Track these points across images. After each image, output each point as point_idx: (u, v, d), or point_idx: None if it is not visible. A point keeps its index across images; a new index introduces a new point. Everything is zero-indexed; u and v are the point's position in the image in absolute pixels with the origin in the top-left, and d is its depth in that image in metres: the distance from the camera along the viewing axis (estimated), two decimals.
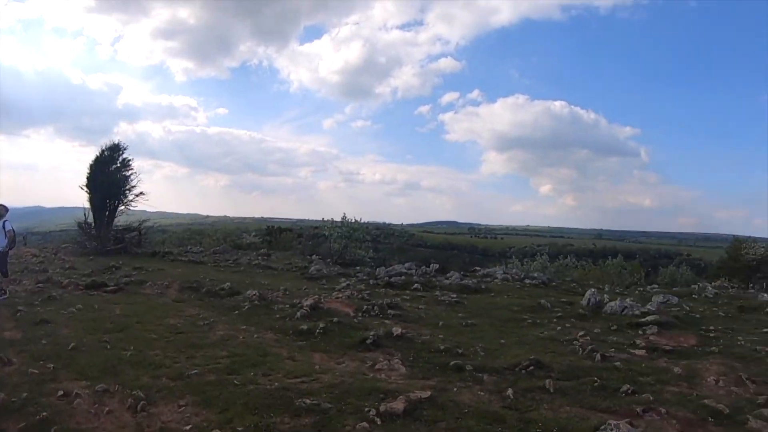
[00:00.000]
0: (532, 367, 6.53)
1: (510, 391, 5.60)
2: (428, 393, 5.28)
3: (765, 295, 13.52)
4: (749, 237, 28.52)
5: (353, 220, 25.11)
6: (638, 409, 5.16)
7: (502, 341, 8.36)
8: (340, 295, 11.49)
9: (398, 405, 4.83)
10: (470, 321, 9.87)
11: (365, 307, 9.96)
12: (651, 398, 5.47)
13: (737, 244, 25.99)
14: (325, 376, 5.96)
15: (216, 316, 9.42)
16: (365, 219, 26.66)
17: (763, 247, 23.11)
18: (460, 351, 7.36)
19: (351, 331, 8.12)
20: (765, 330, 9.56)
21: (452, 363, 6.61)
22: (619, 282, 22.11)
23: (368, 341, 7.41)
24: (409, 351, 7.26)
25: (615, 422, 4.24)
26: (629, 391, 5.71)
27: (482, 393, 5.66)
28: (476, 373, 6.33)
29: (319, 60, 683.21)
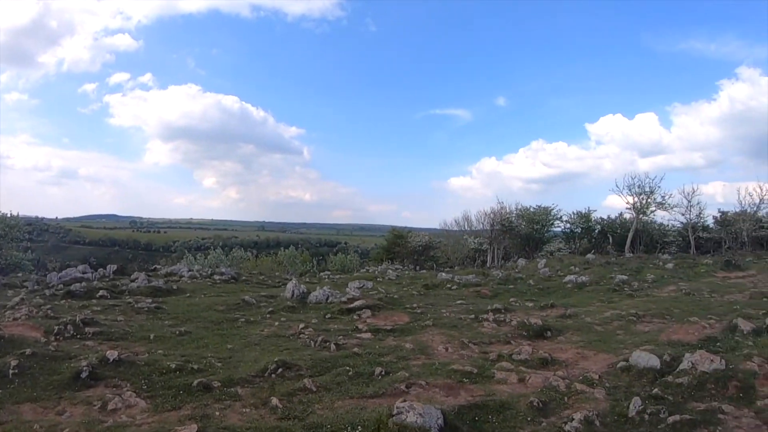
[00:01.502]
0: (280, 369, 6.28)
1: (275, 400, 5.27)
2: (194, 426, 4.49)
3: (442, 274, 16.60)
4: (404, 227, 35.31)
5: (8, 215, 19.71)
6: (402, 387, 5.59)
7: (229, 346, 7.81)
8: (18, 315, 8.72)
9: None
10: (182, 329, 8.85)
11: (56, 328, 7.73)
12: (407, 374, 6.02)
13: (396, 232, 31.77)
14: None
15: None
16: (15, 212, 21.20)
17: (426, 236, 28.96)
18: (195, 367, 6.47)
19: (54, 363, 6.11)
20: (459, 302, 11.81)
21: (195, 383, 5.75)
22: (294, 271, 23.79)
23: (83, 375, 5.73)
24: (137, 378, 5.98)
25: (408, 404, 4.41)
26: (383, 373, 6.13)
27: (248, 410, 5.12)
28: (227, 389, 5.69)
29: None
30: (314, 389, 5.65)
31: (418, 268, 26.11)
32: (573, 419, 4.73)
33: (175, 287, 13.73)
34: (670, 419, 4.76)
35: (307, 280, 17.64)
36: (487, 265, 27.15)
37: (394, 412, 4.35)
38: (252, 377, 6.18)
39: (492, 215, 29.69)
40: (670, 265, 18.66)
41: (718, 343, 7.56)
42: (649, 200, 26.96)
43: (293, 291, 11.84)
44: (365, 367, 6.38)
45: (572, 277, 15.91)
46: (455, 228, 33.94)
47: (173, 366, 6.44)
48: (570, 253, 28.83)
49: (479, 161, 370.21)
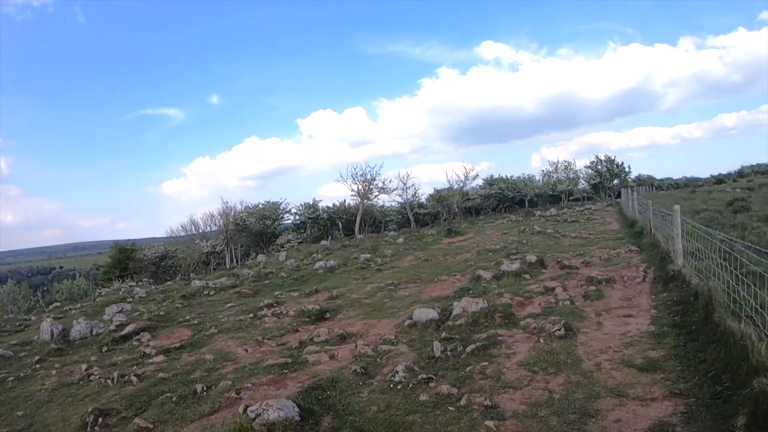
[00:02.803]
0: (100, 419, 5.40)
1: None
2: None
3: (196, 281, 15.90)
4: (127, 240, 31.87)
5: None
6: (233, 394, 5.63)
7: (19, 413, 6.23)
8: None
9: None
10: None
11: None
12: (229, 383, 6.06)
13: (120, 246, 28.83)
14: None
15: None
16: None
17: (161, 246, 26.79)
18: None
19: None
20: (229, 305, 11.74)
21: None
22: (17, 309, 19.95)
23: None
24: None
25: (263, 404, 4.54)
26: (206, 388, 5.99)
27: None
28: None
29: None
30: (151, 427, 5.23)
31: (152, 281, 24.51)
32: (398, 371, 5.63)
33: None
34: (468, 348, 6.23)
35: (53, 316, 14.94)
36: (227, 266, 27.09)
37: (252, 415, 4.53)
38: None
39: (225, 216, 29.72)
40: (400, 240, 21.90)
41: (471, 291, 9.61)
42: (371, 186, 30.66)
43: (51, 331, 10.01)
44: (184, 389, 6.10)
45: (321, 263, 17.23)
46: (183, 234, 32.48)
47: None
48: (302, 242, 30.95)
49: (193, 162, 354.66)
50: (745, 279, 5.30)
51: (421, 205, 35.99)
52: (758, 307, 4.74)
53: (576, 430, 4.06)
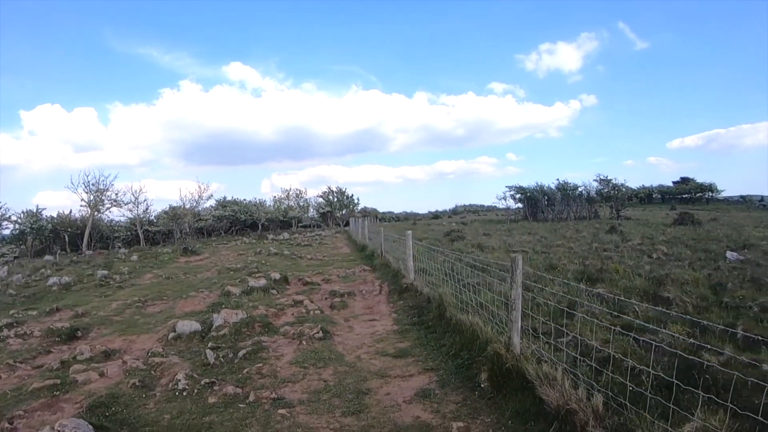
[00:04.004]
0: None
1: None
2: None
3: None
4: None
5: None
6: (6, 424, 4.80)
7: None
8: None
9: None
10: None
11: None
12: None
13: None
14: None
15: None
16: None
17: None
18: None
19: None
20: None
21: None
22: None
23: None
24: None
25: (58, 425, 4.12)
26: None
27: None
28: None
29: None
30: None
31: None
32: (179, 380, 5.63)
33: None
34: (240, 354, 6.64)
35: None
36: None
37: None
38: None
39: None
40: (134, 257, 20.30)
41: (224, 305, 9.76)
42: (103, 197, 27.45)
43: None
44: None
45: (55, 279, 15.22)
46: None
47: None
48: (18, 257, 25.88)
49: None
50: (464, 289, 7.11)
51: (151, 223, 33.54)
52: (479, 307, 6.44)
53: (356, 404, 4.93)
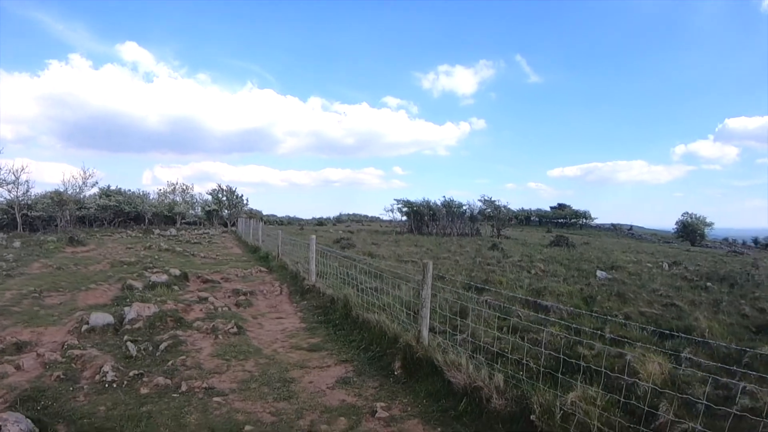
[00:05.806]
0: None
1: None
2: None
3: None
4: None
5: None
6: None
7: None
8: None
9: None
10: None
11: None
12: None
13: None
14: None
15: None
16: None
17: None
18: None
19: None
20: None
21: None
22: None
23: None
24: None
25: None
26: None
27: None
28: None
29: None
30: None
31: None
32: (106, 372, 5.90)
33: None
34: (161, 346, 7.03)
35: None
36: None
37: None
38: None
39: None
40: (17, 244, 18.66)
41: (128, 299, 9.80)
42: None
43: None
44: None
45: None
46: None
47: None
48: None
49: None
50: (362, 294, 8.06)
51: (30, 207, 30.42)
52: (383, 307, 7.41)
53: (285, 391, 5.67)
